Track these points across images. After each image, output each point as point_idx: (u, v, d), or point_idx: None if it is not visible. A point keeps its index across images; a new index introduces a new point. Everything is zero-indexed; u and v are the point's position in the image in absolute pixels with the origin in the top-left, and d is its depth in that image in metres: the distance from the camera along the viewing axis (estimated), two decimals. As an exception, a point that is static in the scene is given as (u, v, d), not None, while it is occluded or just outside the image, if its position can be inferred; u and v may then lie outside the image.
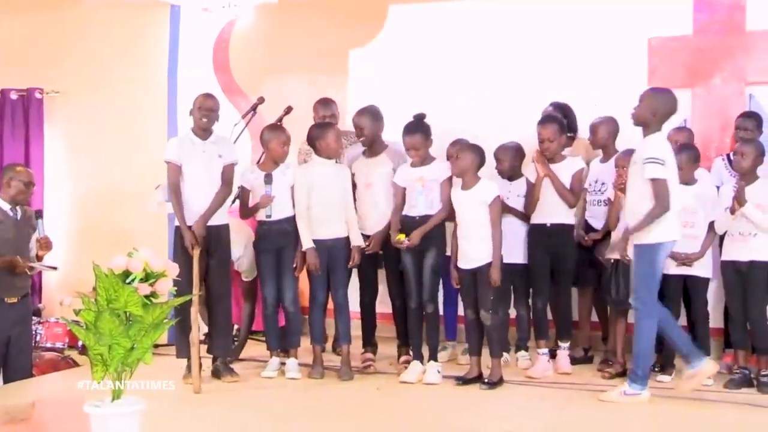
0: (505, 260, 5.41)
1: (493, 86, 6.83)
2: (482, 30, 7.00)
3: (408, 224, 5.64)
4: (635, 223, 5.02)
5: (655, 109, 5.03)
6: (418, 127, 5.67)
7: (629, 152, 5.53)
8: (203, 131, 5.60)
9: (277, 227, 5.73)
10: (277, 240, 5.74)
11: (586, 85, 6.21)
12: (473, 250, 5.39)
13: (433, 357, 5.63)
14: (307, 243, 5.67)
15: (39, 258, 5.75)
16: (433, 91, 6.91)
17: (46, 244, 5.69)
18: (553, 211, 5.69)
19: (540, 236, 5.73)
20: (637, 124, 5.13)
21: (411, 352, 5.74)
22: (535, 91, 6.61)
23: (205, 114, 5.57)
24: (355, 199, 5.88)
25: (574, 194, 5.72)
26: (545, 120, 5.81)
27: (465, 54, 7.03)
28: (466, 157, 5.45)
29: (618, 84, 6.51)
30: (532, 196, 5.74)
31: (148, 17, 7.70)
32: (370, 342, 6.04)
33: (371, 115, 5.88)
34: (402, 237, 5.58)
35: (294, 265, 5.72)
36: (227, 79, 7.65)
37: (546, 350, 5.76)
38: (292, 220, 5.74)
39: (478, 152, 5.50)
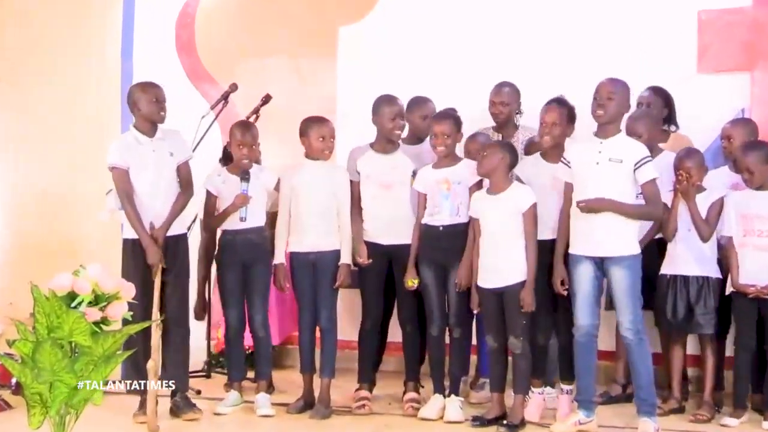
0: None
1: (508, 69, 6.73)
2: (496, 1, 7.00)
3: (430, 235, 5.69)
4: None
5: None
6: (449, 114, 5.80)
7: (693, 152, 5.57)
8: (152, 127, 5.62)
9: (244, 238, 5.82)
10: (243, 253, 5.83)
11: (623, 67, 6.10)
12: (500, 267, 5.41)
13: (455, 390, 5.70)
14: (278, 257, 5.84)
15: None
16: (436, 73, 6.89)
17: None
18: (552, 224, 5.56)
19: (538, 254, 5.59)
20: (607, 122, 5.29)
21: (433, 386, 5.79)
22: (558, 74, 6.59)
23: (162, 106, 5.60)
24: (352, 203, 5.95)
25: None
26: (549, 103, 5.69)
27: (475, 31, 6.99)
28: (494, 154, 5.45)
29: (662, 66, 6.48)
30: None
31: (98, -10, 7.75)
32: (367, 377, 6.02)
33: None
34: (415, 281, 5.73)
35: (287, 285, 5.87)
36: (193, 63, 7.65)
37: (542, 389, 5.75)
38: (262, 231, 5.86)
39: (508, 149, 5.51)
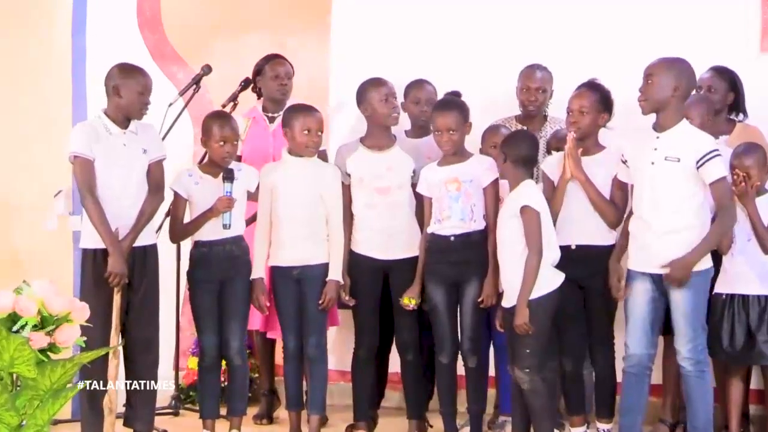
0: None
1: (535, 49, 6.75)
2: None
3: (439, 247, 5.69)
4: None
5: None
6: (454, 103, 5.83)
7: (753, 148, 5.54)
8: (125, 117, 5.63)
9: (221, 250, 5.80)
10: (220, 269, 5.81)
11: (672, 46, 6.12)
12: (506, 280, 5.48)
13: (471, 430, 5.77)
14: (256, 270, 5.86)
15: None
16: (449, 53, 6.89)
17: None
18: (580, 228, 5.63)
19: (563, 262, 5.61)
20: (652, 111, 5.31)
21: (443, 424, 5.86)
22: (595, 54, 6.59)
23: (148, 100, 5.64)
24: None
25: (616, 208, 5.61)
26: (579, 87, 5.76)
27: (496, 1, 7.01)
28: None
29: (719, 45, 6.47)
30: (552, 206, 5.60)
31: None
32: (364, 414, 6.05)
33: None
34: (413, 301, 5.77)
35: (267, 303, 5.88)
36: (158, 41, 7.62)
37: (583, 429, 5.77)
38: (241, 241, 5.86)
39: (526, 141, 5.52)
